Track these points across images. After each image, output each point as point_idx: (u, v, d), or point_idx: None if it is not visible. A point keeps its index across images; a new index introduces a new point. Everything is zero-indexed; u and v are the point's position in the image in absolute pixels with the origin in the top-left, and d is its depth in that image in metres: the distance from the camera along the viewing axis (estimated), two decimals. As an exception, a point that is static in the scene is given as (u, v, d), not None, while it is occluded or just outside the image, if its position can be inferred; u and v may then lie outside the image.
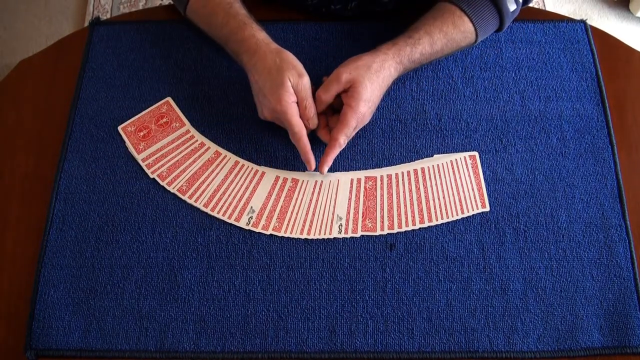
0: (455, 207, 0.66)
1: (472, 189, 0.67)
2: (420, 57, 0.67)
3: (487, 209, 0.66)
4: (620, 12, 1.61)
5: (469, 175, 0.68)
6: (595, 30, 0.78)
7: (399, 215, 0.66)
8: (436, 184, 0.68)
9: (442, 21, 0.67)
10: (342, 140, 0.64)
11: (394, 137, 0.70)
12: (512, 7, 0.67)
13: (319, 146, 0.68)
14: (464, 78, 0.74)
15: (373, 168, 0.69)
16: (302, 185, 0.68)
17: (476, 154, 0.69)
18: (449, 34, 0.67)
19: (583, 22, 0.78)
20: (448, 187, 0.67)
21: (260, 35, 0.66)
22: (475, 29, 0.67)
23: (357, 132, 0.70)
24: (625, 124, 0.72)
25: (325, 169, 0.65)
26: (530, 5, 0.75)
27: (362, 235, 0.65)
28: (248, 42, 0.65)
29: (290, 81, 0.62)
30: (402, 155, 0.69)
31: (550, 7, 1.62)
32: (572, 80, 0.74)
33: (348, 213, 0.66)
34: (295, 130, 0.63)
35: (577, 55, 0.76)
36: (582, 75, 0.74)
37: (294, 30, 0.77)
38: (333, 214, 0.66)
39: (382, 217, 0.66)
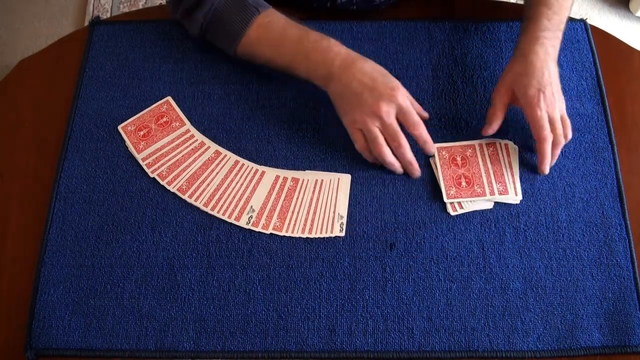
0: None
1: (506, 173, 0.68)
2: (549, 22, 0.66)
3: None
4: (620, 11, 1.61)
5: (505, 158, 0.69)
6: (595, 29, 0.78)
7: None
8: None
9: None
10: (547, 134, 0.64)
11: (394, 137, 0.70)
12: None
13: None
14: (464, 78, 0.74)
15: (373, 168, 0.69)
16: (302, 185, 0.68)
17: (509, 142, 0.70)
18: None
19: (583, 21, 0.78)
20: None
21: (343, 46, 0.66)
22: None
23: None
24: (625, 123, 0.72)
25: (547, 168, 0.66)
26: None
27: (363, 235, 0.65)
28: (338, 48, 0.65)
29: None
30: (402, 155, 0.69)
31: (550, 6, 1.61)
32: (572, 80, 0.74)
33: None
34: (415, 119, 0.63)
35: (577, 54, 0.76)
36: (582, 74, 0.74)
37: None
38: (334, 212, 0.66)
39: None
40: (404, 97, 0.63)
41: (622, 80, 0.75)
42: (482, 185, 0.66)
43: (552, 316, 0.61)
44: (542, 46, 0.65)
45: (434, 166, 0.68)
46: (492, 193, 0.65)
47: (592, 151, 0.69)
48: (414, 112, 0.63)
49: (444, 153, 0.68)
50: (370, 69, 0.64)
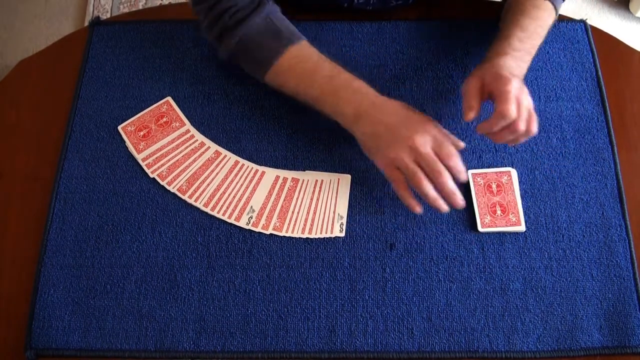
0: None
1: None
2: (520, 43, 0.65)
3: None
4: (620, 12, 1.61)
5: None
6: (595, 30, 0.78)
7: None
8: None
9: (523, 7, 0.67)
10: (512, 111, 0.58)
11: (394, 137, 0.70)
12: None
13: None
14: (464, 78, 0.74)
15: (373, 168, 0.69)
16: (302, 185, 0.68)
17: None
18: (536, 16, 0.67)
19: (583, 21, 0.78)
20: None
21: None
22: (554, 5, 0.68)
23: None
24: (625, 124, 0.72)
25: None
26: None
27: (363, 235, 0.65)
28: (367, 89, 0.64)
29: None
30: (402, 155, 0.69)
31: (550, 7, 1.61)
32: (572, 80, 0.74)
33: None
34: (450, 149, 0.60)
35: (577, 55, 0.76)
36: (582, 75, 0.74)
37: (294, 30, 0.77)
38: (334, 213, 0.66)
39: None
40: (438, 128, 0.61)
41: (622, 81, 0.75)
42: (517, 213, 0.65)
43: (552, 317, 0.61)
44: (512, 60, 0.63)
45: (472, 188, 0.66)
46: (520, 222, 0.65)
47: (592, 151, 0.69)
48: (449, 142, 0.60)
49: (479, 179, 0.67)
50: (400, 106, 0.63)
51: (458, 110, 0.72)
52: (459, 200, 0.60)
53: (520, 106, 0.59)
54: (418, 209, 0.62)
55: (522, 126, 0.59)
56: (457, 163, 0.60)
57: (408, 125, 0.60)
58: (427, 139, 0.60)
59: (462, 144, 0.63)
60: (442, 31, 0.77)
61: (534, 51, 0.67)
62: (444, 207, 0.60)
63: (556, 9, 0.69)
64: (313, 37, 0.76)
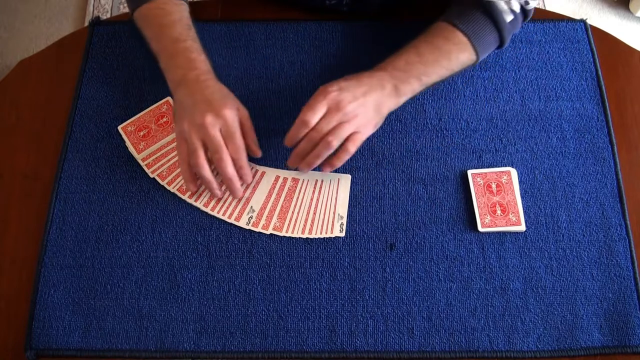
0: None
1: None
2: (407, 65, 0.63)
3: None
4: (620, 11, 1.61)
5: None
6: (595, 29, 0.78)
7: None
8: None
9: (431, 35, 0.65)
10: (310, 118, 0.58)
11: (394, 137, 0.70)
12: (509, 17, 0.65)
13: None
14: (464, 78, 0.74)
15: (373, 168, 0.69)
16: (302, 185, 0.68)
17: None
18: (441, 46, 0.64)
19: (583, 21, 0.78)
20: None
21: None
22: (470, 41, 0.64)
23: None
24: (626, 123, 0.72)
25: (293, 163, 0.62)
26: (530, 4, 0.75)
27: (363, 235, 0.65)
28: (201, 65, 0.65)
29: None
30: (402, 155, 0.69)
31: (550, 6, 1.62)
32: (572, 80, 0.74)
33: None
34: (237, 142, 0.60)
35: (577, 54, 0.76)
36: (582, 74, 0.74)
37: (294, 29, 0.77)
38: (334, 213, 0.66)
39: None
40: (234, 117, 0.60)
41: (622, 80, 0.75)
42: (517, 213, 0.65)
43: (552, 316, 0.61)
44: (384, 77, 0.62)
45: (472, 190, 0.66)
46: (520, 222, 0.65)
47: (592, 151, 0.69)
48: (239, 135, 0.60)
49: (478, 179, 0.67)
50: (219, 89, 0.63)
51: (458, 110, 0.72)
52: (237, 188, 0.63)
53: (326, 119, 0.58)
54: (192, 187, 0.65)
55: (316, 136, 0.59)
56: (241, 158, 0.61)
57: (211, 105, 0.60)
58: (219, 122, 0.60)
59: (258, 153, 0.64)
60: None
61: (426, 79, 0.64)
62: (217, 192, 0.63)
63: (476, 50, 0.65)
64: (313, 36, 0.77)
